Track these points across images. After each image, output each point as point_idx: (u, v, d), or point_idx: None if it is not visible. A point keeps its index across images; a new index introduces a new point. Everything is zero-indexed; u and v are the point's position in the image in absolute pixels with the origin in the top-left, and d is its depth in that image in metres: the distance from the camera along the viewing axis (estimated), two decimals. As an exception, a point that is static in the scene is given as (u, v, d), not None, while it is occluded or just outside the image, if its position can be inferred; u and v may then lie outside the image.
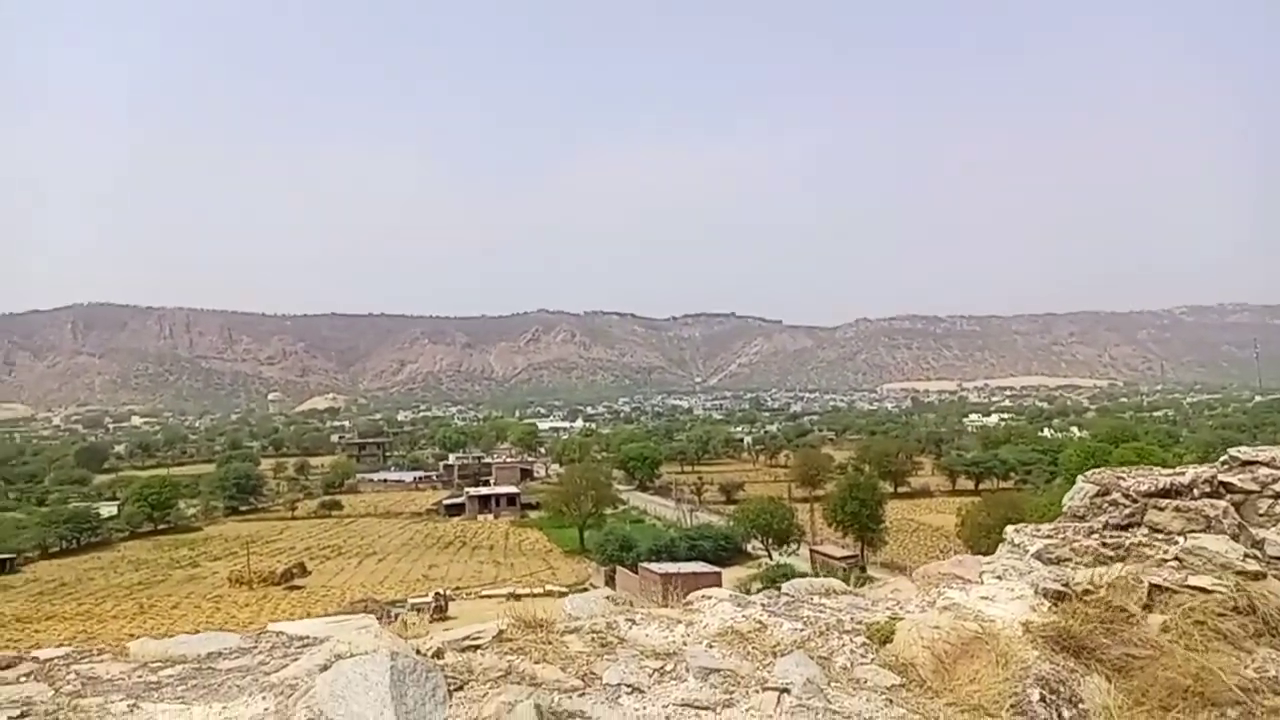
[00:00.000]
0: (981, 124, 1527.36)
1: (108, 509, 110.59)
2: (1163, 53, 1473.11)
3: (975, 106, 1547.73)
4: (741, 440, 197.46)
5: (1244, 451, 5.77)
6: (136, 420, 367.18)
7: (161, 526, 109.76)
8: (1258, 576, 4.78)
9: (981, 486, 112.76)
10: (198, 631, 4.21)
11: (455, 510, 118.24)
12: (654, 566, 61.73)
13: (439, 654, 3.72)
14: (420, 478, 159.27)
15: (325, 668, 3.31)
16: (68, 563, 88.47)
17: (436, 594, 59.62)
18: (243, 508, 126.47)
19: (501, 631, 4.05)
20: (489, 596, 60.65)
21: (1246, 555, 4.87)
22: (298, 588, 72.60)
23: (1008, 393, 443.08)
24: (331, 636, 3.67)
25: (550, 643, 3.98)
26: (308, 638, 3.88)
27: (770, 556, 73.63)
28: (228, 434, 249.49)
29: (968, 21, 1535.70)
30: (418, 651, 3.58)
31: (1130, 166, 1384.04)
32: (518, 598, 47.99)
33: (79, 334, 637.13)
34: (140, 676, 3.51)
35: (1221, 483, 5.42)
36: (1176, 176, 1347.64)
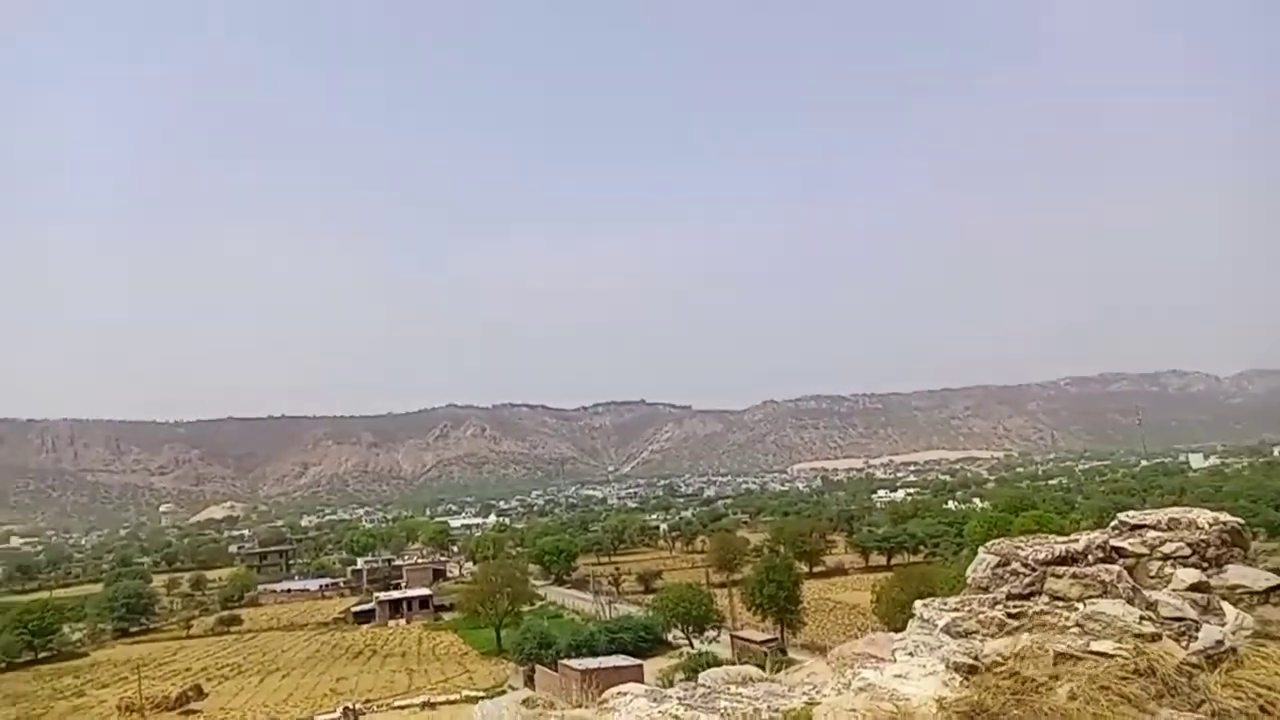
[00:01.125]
0: (875, 204, 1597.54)
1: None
2: (1050, 118, 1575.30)
3: (870, 184, 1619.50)
4: (657, 528, 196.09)
5: (1132, 516, 6.03)
6: (16, 541, 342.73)
7: (43, 655, 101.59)
8: (1154, 638, 4.95)
9: (893, 561, 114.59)
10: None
11: (365, 617, 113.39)
12: (574, 663, 60.03)
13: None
14: (326, 585, 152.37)
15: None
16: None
17: (345, 708, 56.50)
18: (133, 629, 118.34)
19: (408, 748, 3.86)
20: (402, 707, 57.82)
21: (1142, 617, 5.04)
22: (194, 712, 67.96)
23: (912, 467, 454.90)
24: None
25: (460, 756, 3.81)
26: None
27: (691, 645, 72.72)
28: (116, 550, 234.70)
29: (852, 87, 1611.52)
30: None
31: (1009, 243, 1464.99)
32: (433, 706, 46.00)
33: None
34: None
35: (1114, 547, 5.63)
36: (1048, 251, 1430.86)
